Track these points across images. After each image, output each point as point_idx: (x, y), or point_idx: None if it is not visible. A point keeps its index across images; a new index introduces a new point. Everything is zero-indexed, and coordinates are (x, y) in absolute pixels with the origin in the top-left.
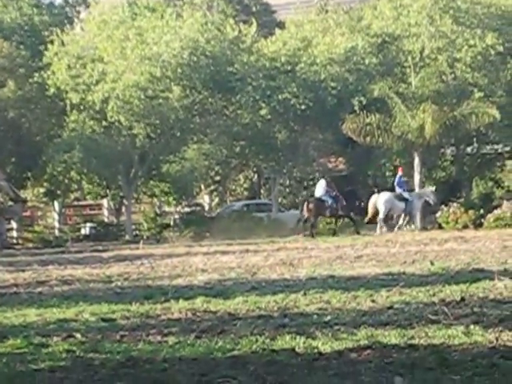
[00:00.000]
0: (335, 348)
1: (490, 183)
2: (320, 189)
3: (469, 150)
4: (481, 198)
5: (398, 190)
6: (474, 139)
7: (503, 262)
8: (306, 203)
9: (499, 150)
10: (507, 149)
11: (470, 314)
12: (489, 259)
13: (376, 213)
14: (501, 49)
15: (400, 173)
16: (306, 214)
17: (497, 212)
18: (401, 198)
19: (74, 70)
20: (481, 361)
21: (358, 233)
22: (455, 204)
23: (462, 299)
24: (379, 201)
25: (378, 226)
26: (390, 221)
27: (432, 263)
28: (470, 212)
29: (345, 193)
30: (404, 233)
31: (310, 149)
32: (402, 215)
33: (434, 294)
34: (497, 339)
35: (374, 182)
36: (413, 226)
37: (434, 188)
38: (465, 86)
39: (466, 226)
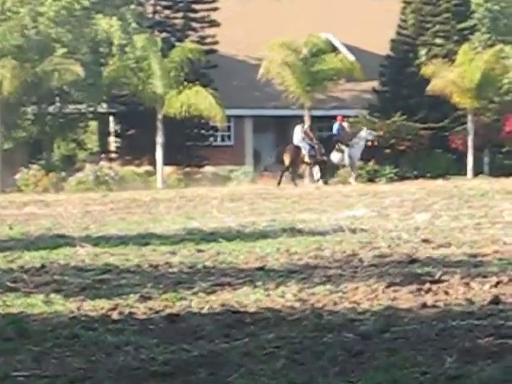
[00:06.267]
0: None
1: (73, 145)
2: (297, 136)
3: (51, 109)
4: (63, 159)
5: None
6: (57, 98)
7: (85, 227)
8: (284, 152)
9: (83, 110)
10: (91, 109)
11: (50, 281)
12: (70, 224)
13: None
14: (87, 3)
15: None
16: (286, 162)
17: (79, 175)
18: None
19: None
20: (61, 331)
21: (326, 183)
22: (36, 166)
23: (43, 266)
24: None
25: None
26: None
27: (11, 227)
28: (51, 174)
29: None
30: None
31: None
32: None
33: (12, 261)
34: (78, 309)
35: None
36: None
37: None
38: (48, 42)
39: (46, 190)
